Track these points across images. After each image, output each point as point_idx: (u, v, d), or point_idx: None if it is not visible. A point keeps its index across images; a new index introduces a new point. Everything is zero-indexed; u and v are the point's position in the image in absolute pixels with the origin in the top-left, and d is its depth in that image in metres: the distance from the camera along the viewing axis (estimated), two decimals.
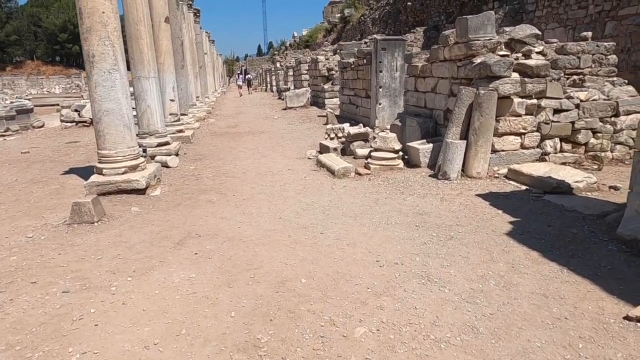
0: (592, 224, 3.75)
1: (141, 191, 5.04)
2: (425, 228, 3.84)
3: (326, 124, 11.71)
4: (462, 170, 5.46)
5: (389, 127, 10.12)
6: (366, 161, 6.49)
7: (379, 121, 10.09)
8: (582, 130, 5.84)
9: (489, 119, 5.31)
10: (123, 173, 5.07)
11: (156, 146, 7.24)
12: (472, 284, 2.84)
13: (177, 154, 7.56)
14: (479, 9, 14.41)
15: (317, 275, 3.03)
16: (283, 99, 21.40)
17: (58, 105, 15.85)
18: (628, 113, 5.99)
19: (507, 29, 6.11)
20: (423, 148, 6.13)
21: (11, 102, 13.77)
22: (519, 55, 5.83)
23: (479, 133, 5.33)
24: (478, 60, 5.75)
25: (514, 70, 5.54)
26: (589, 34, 7.11)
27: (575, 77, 6.86)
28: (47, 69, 68.97)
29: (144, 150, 6.47)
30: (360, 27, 27.01)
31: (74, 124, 12.96)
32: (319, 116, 13.63)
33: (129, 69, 6.99)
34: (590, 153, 5.92)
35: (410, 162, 6.43)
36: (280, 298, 2.74)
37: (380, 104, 9.97)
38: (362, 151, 7.09)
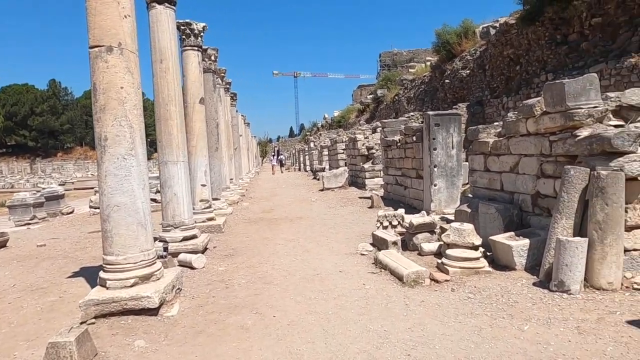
0: None
1: (153, 311, 3.80)
2: None
3: (371, 207, 10.52)
4: (585, 278, 3.97)
5: (447, 211, 8.78)
6: (439, 261, 5.09)
7: (435, 205, 8.79)
8: None
9: (617, 209, 3.92)
10: (132, 286, 3.88)
11: (181, 240, 6.15)
12: None
13: (205, 250, 6.40)
14: (528, 83, 13.58)
15: None
16: (318, 179, 20.65)
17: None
18: None
19: (610, 94, 4.93)
20: (517, 245, 4.71)
21: (42, 189, 13.45)
22: (638, 125, 4.56)
23: (605, 228, 3.92)
24: (584, 132, 4.51)
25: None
26: None
27: None
28: (94, 153, 73.31)
29: (165, 249, 5.35)
30: (395, 106, 26.88)
31: None
32: (360, 198, 12.48)
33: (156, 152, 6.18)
34: None
35: (498, 262, 4.98)
36: None
37: (435, 186, 8.74)
38: (429, 246, 5.71)
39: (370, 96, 36.68)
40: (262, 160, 68.50)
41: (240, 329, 3.55)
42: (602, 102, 4.72)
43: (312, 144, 31.44)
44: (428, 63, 24.72)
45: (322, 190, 15.39)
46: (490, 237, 5.14)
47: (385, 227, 7.11)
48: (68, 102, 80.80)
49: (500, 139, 6.14)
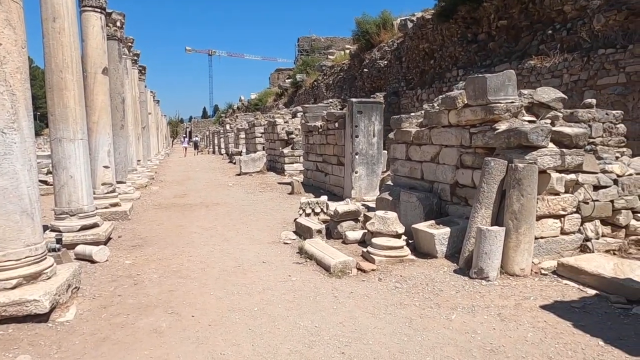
0: None
1: (43, 317, 3.19)
2: None
3: (291, 193, 10.33)
4: (500, 265, 4.17)
5: (367, 198, 8.90)
6: (364, 249, 5.05)
7: (355, 192, 8.85)
8: (622, 211, 4.88)
9: (531, 200, 4.16)
10: (14, 288, 3.21)
11: (79, 230, 5.37)
12: None
13: (108, 240, 5.68)
14: (441, 77, 14.29)
15: None
16: (235, 163, 19.96)
17: None
18: None
19: (524, 91, 5.24)
20: (439, 233, 4.83)
21: None
22: (547, 122, 4.90)
23: (520, 217, 4.14)
24: (502, 126, 4.72)
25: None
26: (593, 100, 6.52)
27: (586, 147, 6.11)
28: None
29: (59, 240, 4.60)
30: (314, 91, 26.84)
31: None
32: (279, 183, 12.23)
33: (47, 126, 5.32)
34: (633, 238, 4.93)
35: (420, 249, 5.08)
36: None
37: (356, 173, 8.79)
38: (354, 234, 5.66)
39: (289, 80, 36.26)
40: (173, 142, 64.82)
41: (153, 333, 3.11)
42: (517, 98, 4.98)
43: (228, 126, 30.31)
44: (347, 51, 25.00)
45: (239, 174, 14.84)
46: (413, 226, 5.22)
47: (308, 215, 6.96)
48: None
49: (423, 129, 6.28)
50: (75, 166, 5.37)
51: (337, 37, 47.40)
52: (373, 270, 4.46)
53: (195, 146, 39.50)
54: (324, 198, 7.18)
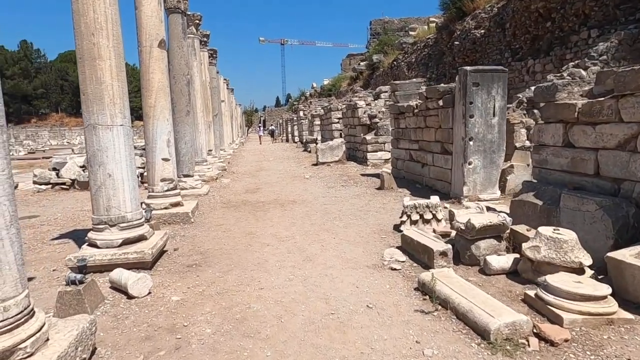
0: None
1: None
2: None
3: (380, 188, 8.55)
4: None
5: (483, 197, 6.84)
6: (530, 293, 3.14)
7: (468, 188, 6.83)
8: None
9: None
10: None
11: (120, 245, 4.08)
12: None
13: (159, 257, 4.35)
14: (562, 42, 11.50)
15: None
16: (309, 151, 18.61)
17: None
18: None
19: None
20: None
21: None
22: None
23: None
24: None
25: None
26: None
27: None
28: (70, 120, 69.49)
29: (82, 268, 3.27)
30: (393, 72, 24.53)
31: (49, 186, 10.06)
32: (363, 175, 10.50)
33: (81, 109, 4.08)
34: None
35: (626, 295, 3.06)
36: None
37: (470, 164, 6.75)
38: (499, 262, 3.74)
39: (364, 63, 34.13)
40: (248, 131, 66.01)
41: None
42: None
43: (301, 113, 29.12)
44: (432, 25, 22.34)
45: (315, 164, 13.35)
46: (610, 255, 3.19)
47: (414, 222, 5.18)
48: (41, 65, 75.71)
49: (600, 99, 4.12)
50: (114, 161, 4.06)
51: (411, 18, 44.44)
52: (566, 340, 2.56)
53: (272, 134, 39.64)
54: (435, 199, 5.31)
